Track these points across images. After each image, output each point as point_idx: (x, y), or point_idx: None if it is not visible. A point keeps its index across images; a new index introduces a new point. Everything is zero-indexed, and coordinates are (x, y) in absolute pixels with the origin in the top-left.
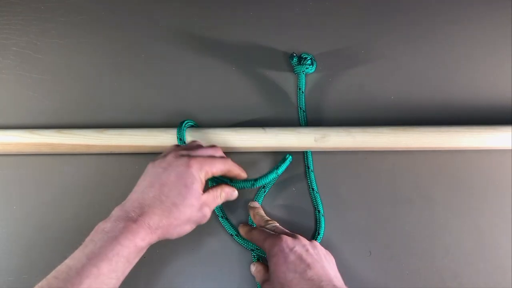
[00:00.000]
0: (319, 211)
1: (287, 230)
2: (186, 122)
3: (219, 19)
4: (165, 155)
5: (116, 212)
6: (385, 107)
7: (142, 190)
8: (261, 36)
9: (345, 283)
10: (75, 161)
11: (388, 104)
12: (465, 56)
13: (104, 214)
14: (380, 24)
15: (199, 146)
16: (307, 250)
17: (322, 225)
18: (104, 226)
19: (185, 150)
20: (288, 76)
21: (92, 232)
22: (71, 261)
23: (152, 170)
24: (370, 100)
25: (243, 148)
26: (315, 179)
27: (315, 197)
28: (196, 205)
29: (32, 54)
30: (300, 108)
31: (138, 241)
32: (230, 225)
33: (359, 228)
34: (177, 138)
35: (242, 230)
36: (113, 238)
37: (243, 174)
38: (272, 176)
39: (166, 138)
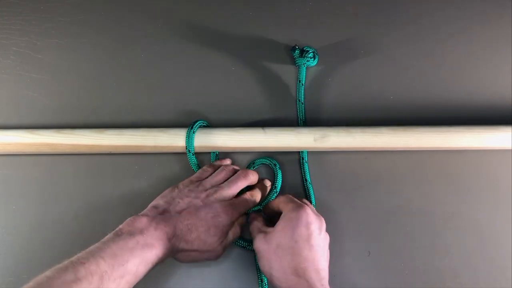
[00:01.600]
0: (310, 202)
1: (314, 210)
2: (197, 123)
3: (220, 15)
4: (202, 185)
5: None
6: (385, 107)
7: (180, 211)
8: (262, 30)
9: (345, 283)
10: (75, 161)
11: (388, 104)
12: (465, 56)
13: (104, 214)
14: (380, 24)
15: (235, 182)
16: (319, 234)
17: (311, 192)
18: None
19: (226, 189)
20: (289, 68)
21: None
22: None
23: (192, 200)
24: (370, 100)
25: (243, 148)
26: (308, 171)
27: (307, 189)
28: (218, 250)
29: (32, 54)
30: (298, 100)
31: (151, 257)
32: None
33: (359, 228)
34: (186, 148)
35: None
36: (131, 250)
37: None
38: (274, 195)
39: (166, 138)
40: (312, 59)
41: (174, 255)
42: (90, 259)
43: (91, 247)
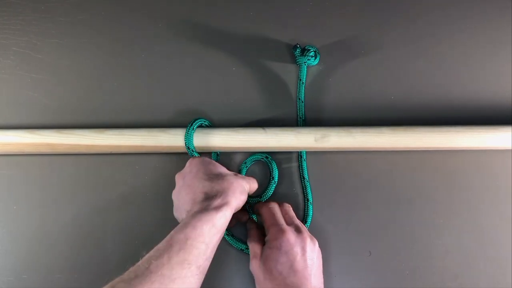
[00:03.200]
0: (308, 199)
1: (295, 219)
2: (197, 122)
3: (220, 15)
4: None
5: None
6: (385, 107)
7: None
8: (263, 28)
9: (345, 283)
10: (75, 161)
11: (388, 104)
12: (465, 56)
13: (104, 214)
14: (380, 24)
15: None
16: (302, 255)
17: (310, 214)
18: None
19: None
20: (290, 67)
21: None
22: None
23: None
24: (370, 100)
25: (243, 148)
26: (307, 169)
27: (305, 186)
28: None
29: (32, 54)
30: (299, 98)
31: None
32: None
33: (359, 228)
34: (185, 145)
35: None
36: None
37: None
38: (273, 187)
39: (166, 138)
40: (313, 58)
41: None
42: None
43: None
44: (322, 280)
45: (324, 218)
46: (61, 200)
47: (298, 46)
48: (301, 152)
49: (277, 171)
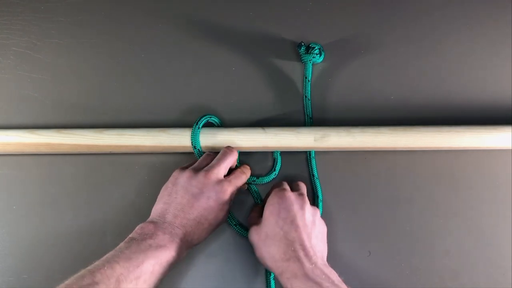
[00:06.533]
0: (317, 196)
1: (302, 189)
2: (203, 119)
3: (224, 13)
4: (195, 172)
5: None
6: (385, 107)
7: (182, 208)
8: (267, 26)
9: (345, 283)
10: (75, 161)
11: (388, 104)
12: (465, 56)
13: (104, 214)
14: (381, 24)
15: (222, 160)
16: (303, 214)
17: (320, 210)
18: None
19: (215, 168)
20: (295, 65)
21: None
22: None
23: (187, 187)
24: (370, 100)
25: (243, 148)
26: (316, 166)
27: (315, 183)
28: (226, 216)
29: (32, 54)
30: (305, 96)
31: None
32: None
33: (359, 228)
34: (191, 142)
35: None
36: (145, 252)
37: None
38: (273, 174)
39: (166, 138)
40: (318, 55)
41: (190, 248)
42: (106, 265)
43: (106, 256)
44: (325, 247)
45: (324, 218)
46: (61, 200)
47: (303, 44)
48: (309, 151)
49: (279, 160)
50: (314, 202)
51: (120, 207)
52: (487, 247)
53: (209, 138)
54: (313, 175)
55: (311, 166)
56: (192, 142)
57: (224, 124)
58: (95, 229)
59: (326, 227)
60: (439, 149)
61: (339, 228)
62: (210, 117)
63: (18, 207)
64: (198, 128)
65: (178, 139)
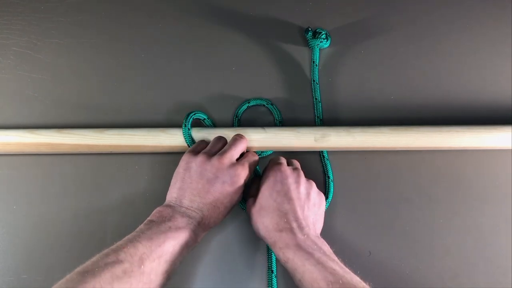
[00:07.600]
0: (328, 177)
1: (297, 164)
2: (192, 114)
3: (222, 12)
4: (209, 157)
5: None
6: (385, 107)
7: (198, 193)
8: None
9: None
10: (75, 161)
11: (388, 104)
12: (465, 56)
13: (104, 214)
14: (380, 24)
15: (234, 144)
16: (297, 187)
17: (331, 190)
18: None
19: (229, 152)
20: (302, 50)
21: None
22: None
23: (201, 172)
24: (370, 100)
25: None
26: (331, 168)
27: (325, 164)
28: (240, 197)
29: (32, 54)
30: (313, 80)
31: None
32: None
33: (359, 228)
34: (184, 134)
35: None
36: (165, 233)
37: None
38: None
39: (166, 138)
40: (325, 40)
41: (207, 230)
42: (129, 245)
43: (127, 236)
44: (321, 220)
45: (324, 219)
46: (61, 200)
47: (310, 29)
48: (323, 152)
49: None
50: (324, 181)
51: (120, 207)
52: (487, 247)
53: (208, 137)
54: (328, 177)
55: (326, 168)
56: (185, 139)
57: (224, 123)
58: (95, 229)
59: (325, 201)
60: (439, 149)
61: (339, 228)
62: (198, 113)
63: (18, 207)
64: (185, 125)
65: (178, 139)
